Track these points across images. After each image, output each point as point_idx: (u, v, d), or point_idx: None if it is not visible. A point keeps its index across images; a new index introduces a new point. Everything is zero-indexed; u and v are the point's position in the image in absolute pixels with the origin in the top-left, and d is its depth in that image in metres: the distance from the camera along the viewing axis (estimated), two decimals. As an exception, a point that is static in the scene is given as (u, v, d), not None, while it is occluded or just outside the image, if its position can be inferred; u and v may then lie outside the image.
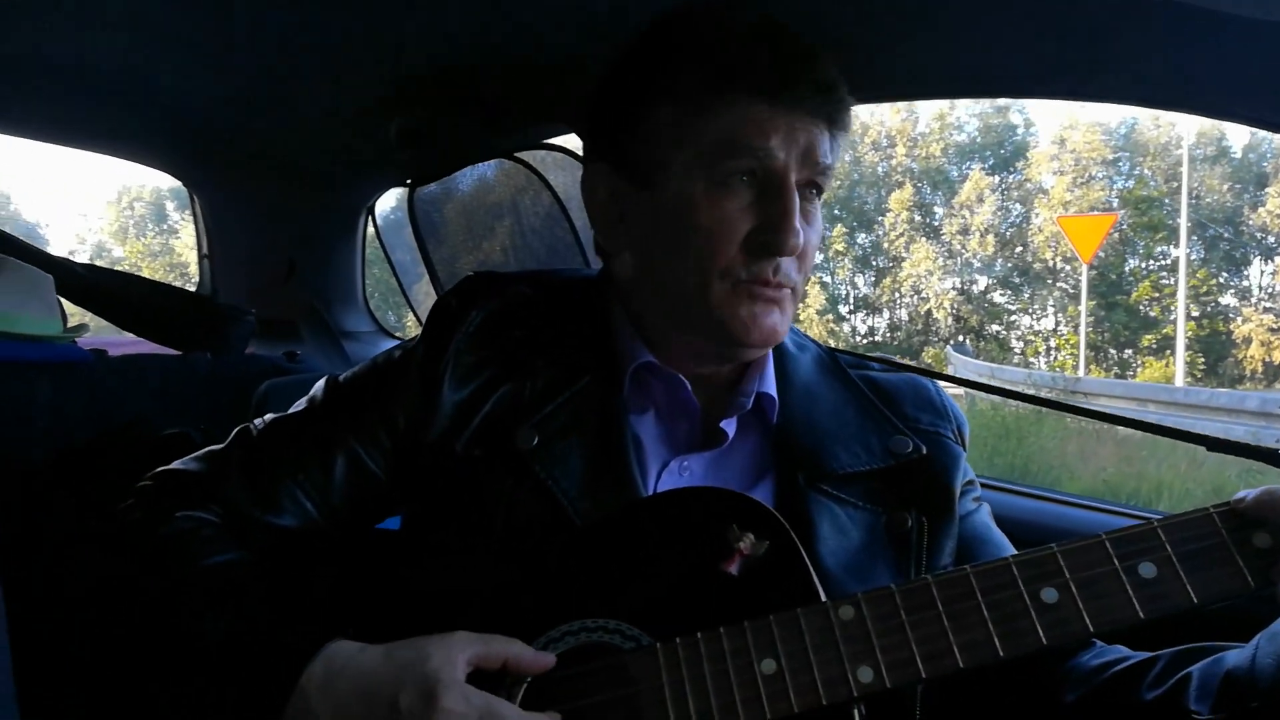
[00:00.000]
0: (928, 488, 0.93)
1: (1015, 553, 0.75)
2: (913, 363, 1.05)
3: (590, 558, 0.82)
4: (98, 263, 2.21)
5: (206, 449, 0.98)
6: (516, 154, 1.89)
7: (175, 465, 0.97)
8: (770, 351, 0.99)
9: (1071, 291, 26.74)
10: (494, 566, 0.84)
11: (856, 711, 0.70)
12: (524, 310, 0.99)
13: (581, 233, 1.94)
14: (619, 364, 0.95)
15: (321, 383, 1.02)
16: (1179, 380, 18.95)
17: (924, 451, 0.94)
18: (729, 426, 0.93)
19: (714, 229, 0.87)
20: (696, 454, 0.94)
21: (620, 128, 0.94)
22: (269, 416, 1.00)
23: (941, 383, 1.06)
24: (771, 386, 0.97)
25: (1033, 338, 28.35)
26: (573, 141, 1.80)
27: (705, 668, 0.72)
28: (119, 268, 2.12)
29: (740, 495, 0.80)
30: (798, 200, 0.88)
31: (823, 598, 0.75)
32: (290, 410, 1.00)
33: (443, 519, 0.92)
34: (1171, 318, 23.62)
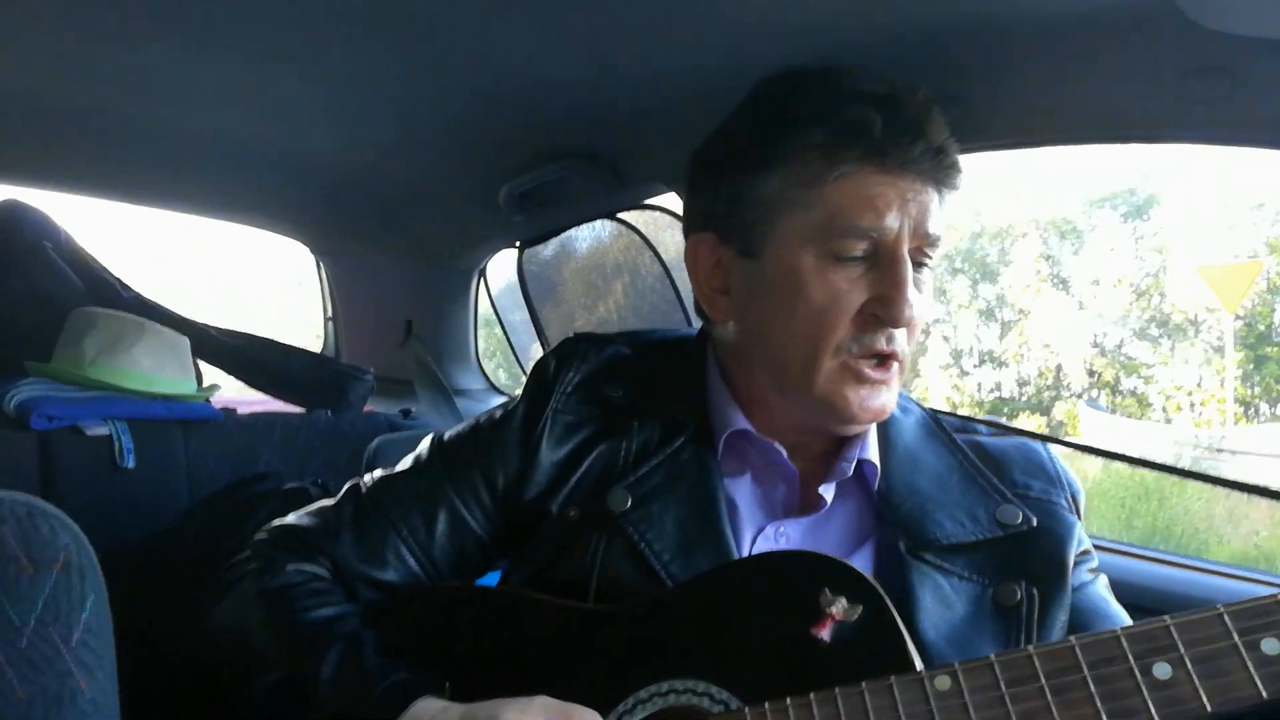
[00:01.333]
0: (1039, 559, 0.88)
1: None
2: (1020, 426, 1.00)
3: (680, 618, 0.81)
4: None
5: (318, 504, 1.02)
6: (619, 214, 1.93)
7: (289, 519, 1.01)
8: None
9: (1215, 344, 25.23)
10: (585, 626, 0.84)
11: None
12: (621, 370, 0.99)
13: (683, 290, 1.96)
14: (714, 428, 0.94)
15: (426, 441, 1.04)
16: (1341, 437, 17.51)
17: (1034, 523, 0.89)
18: (827, 491, 0.91)
19: (826, 303, 0.86)
20: (793, 520, 0.92)
21: (725, 196, 0.93)
22: (378, 473, 1.03)
23: (1055, 448, 1.00)
24: (873, 452, 0.94)
25: (1175, 391, 26.80)
26: (673, 201, 1.83)
27: None
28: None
29: (833, 559, 0.77)
30: (910, 271, 0.86)
31: (918, 666, 0.72)
32: (397, 468, 1.03)
33: (538, 577, 0.92)
34: (1330, 370, 21.94)
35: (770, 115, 0.91)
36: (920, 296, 0.89)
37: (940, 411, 1.03)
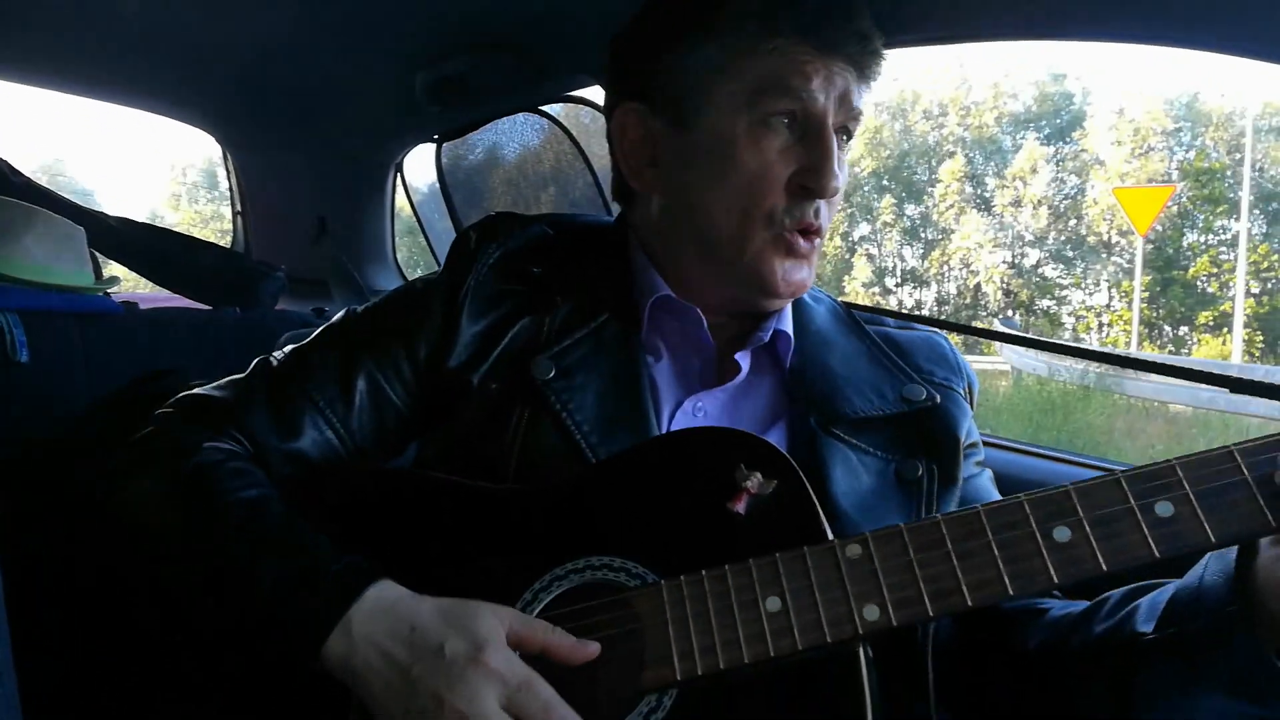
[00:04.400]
0: (937, 437, 0.93)
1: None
2: (926, 315, 1.03)
3: (598, 496, 0.81)
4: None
5: (227, 378, 0.98)
6: (540, 108, 1.87)
7: (196, 392, 0.96)
8: None
9: (1126, 266, 26.14)
10: (505, 502, 0.84)
11: (862, 650, 0.68)
12: (544, 248, 1.00)
13: (609, 195, 1.92)
14: (638, 303, 0.95)
15: (341, 314, 1.02)
16: (1236, 358, 18.46)
17: (937, 400, 0.94)
18: (743, 359, 0.93)
19: (758, 170, 0.88)
20: (710, 392, 0.93)
21: (657, 66, 0.93)
22: (288, 347, 1.00)
23: (969, 354, 1.03)
24: (789, 325, 0.97)
25: (1085, 313, 27.79)
26: (597, 94, 1.78)
27: (709, 604, 0.71)
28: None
29: (748, 434, 0.78)
30: (835, 142, 0.89)
31: (830, 536, 0.73)
32: (309, 339, 1.00)
33: (458, 450, 0.92)
34: (1230, 294, 22.99)
35: None
36: (841, 173, 0.92)
37: (850, 304, 1.07)
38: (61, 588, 1.25)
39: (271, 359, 0.99)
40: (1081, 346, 1.04)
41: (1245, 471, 0.66)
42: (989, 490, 0.98)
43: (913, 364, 0.98)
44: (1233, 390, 0.77)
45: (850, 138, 0.94)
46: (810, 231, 0.91)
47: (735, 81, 0.88)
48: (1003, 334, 1.04)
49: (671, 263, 0.97)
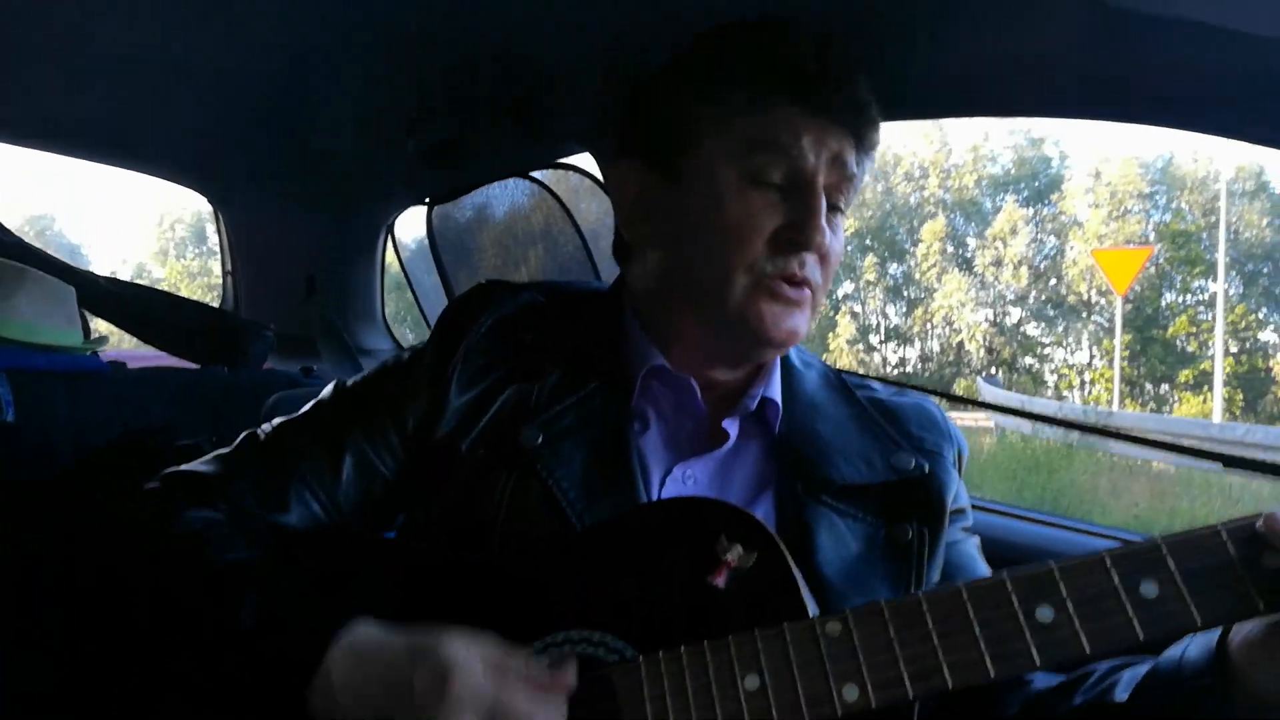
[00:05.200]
0: (926, 502, 0.93)
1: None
2: (917, 384, 1.04)
3: (578, 568, 0.80)
4: (140, 282, 2.25)
5: (214, 453, 0.98)
6: (532, 174, 1.90)
7: (183, 467, 0.96)
8: (778, 362, 0.99)
9: (1107, 325, 26.40)
10: (481, 578, 0.83)
11: None
12: (535, 316, 0.99)
13: (599, 260, 1.95)
14: (629, 371, 0.95)
15: (330, 386, 1.02)
16: (1216, 416, 18.58)
17: (926, 469, 0.94)
18: (731, 426, 0.93)
19: (741, 223, 0.89)
20: (700, 459, 0.93)
21: (652, 123, 0.97)
22: (276, 420, 1.00)
23: (961, 414, 1.04)
24: (777, 393, 0.97)
25: (1067, 371, 27.98)
26: (588, 162, 1.81)
27: (688, 683, 0.70)
28: (160, 287, 2.16)
29: (729, 505, 0.78)
30: (824, 200, 0.90)
31: (811, 612, 0.73)
32: (298, 414, 1.00)
33: (443, 521, 0.92)
34: (1209, 353, 23.21)
35: (707, 56, 0.95)
36: (833, 237, 0.93)
37: (842, 370, 1.07)
38: (51, 639, 1.24)
39: (259, 432, 0.99)
40: (1087, 423, 1.04)
41: (1232, 552, 0.65)
42: (974, 558, 0.98)
43: (902, 430, 0.98)
44: (1226, 465, 0.76)
45: (844, 205, 0.94)
46: (796, 281, 0.90)
47: (726, 138, 0.90)
48: (999, 407, 1.04)
49: (667, 325, 0.97)
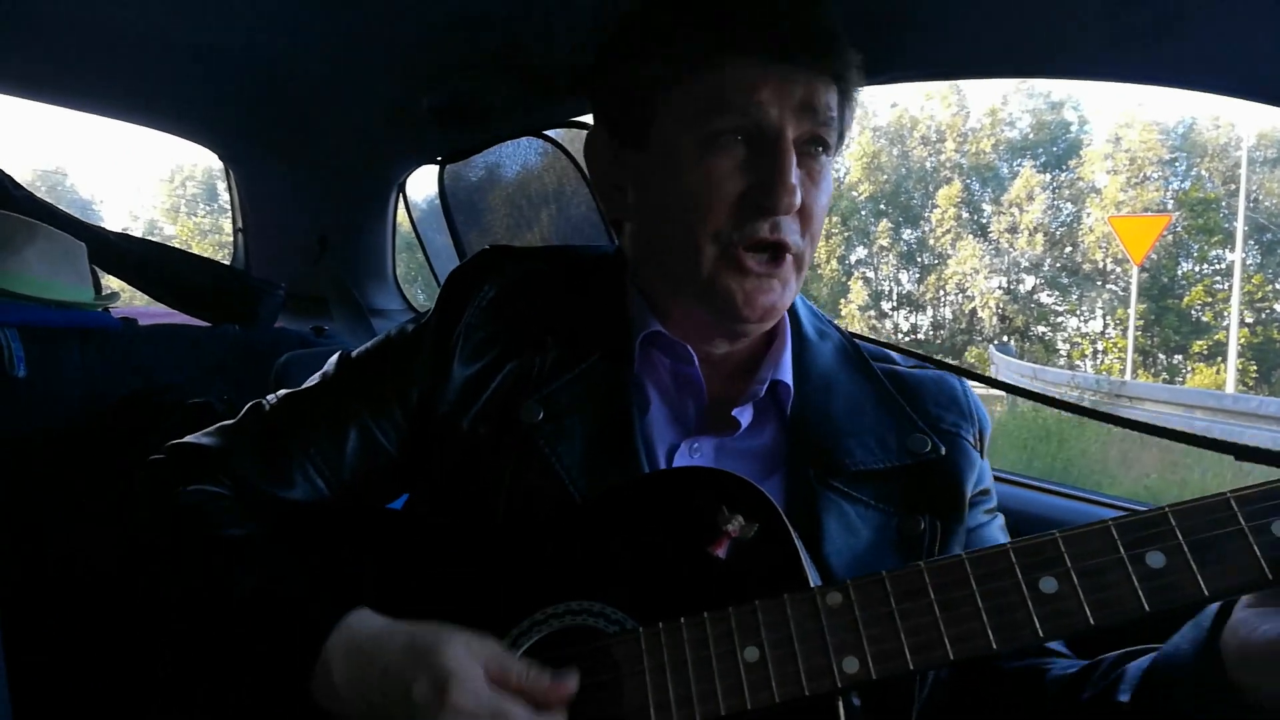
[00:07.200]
0: (942, 490, 0.89)
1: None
2: (943, 359, 1.00)
3: (579, 539, 0.80)
4: (151, 239, 2.25)
5: (218, 425, 0.98)
6: (545, 132, 1.88)
7: (187, 440, 0.96)
8: (789, 338, 0.96)
9: (1121, 294, 26.19)
10: (489, 547, 0.84)
11: (842, 703, 0.67)
12: (538, 285, 0.97)
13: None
14: (629, 338, 0.93)
15: (335, 358, 1.01)
16: (1230, 387, 18.48)
17: (942, 452, 0.90)
18: (742, 415, 0.90)
19: (701, 187, 0.84)
20: (707, 438, 0.91)
21: (611, 87, 0.93)
22: (281, 392, 1.00)
23: (972, 384, 1.01)
24: (788, 374, 0.93)
25: (1080, 340, 27.82)
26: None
27: (688, 654, 0.70)
28: (172, 244, 2.17)
29: (731, 476, 0.77)
30: (794, 156, 0.84)
31: (812, 583, 0.72)
32: (303, 386, 1.00)
33: (446, 498, 0.91)
34: (1224, 323, 23.03)
35: (656, 9, 0.89)
36: (814, 188, 0.87)
37: (861, 337, 1.02)
38: (56, 597, 1.25)
39: (264, 404, 0.98)
40: (1097, 410, 0.99)
41: (1242, 521, 0.63)
42: (998, 539, 0.94)
43: (920, 408, 0.94)
44: (1237, 459, 0.74)
45: (828, 147, 0.88)
46: (764, 247, 0.85)
47: (682, 99, 0.85)
48: (1016, 388, 1.02)
49: (654, 292, 0.94)
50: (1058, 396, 1.03)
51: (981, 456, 0.95)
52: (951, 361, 1.01)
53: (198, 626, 0.81)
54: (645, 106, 0.88)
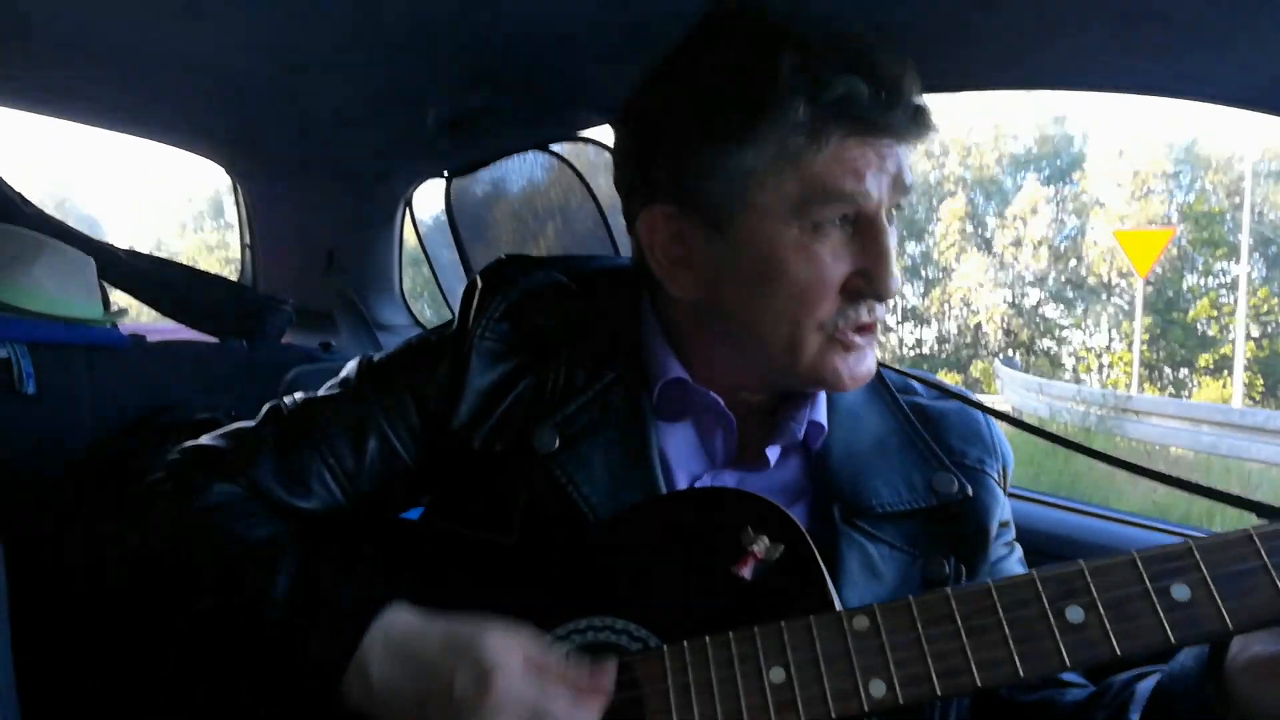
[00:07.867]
0: (967, 532, 0.88)
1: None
2: (956, 387, 0.99)
3: (602, 555, 0.80)
4: (158, 255, 2.25)
5: (235, 425, 0.96)
6: (550, 147, 1.88)
7: (204, 440, 0.95)
8: None
9: (1127, 308, 26.17)
10: (506, 563, 0.83)
11: None
12: (553, 296, 0.96)
13: (617, 234, 1.93)
14: (648, 372, 0.91)
15: (354, 364, 0.99)
16: (1236, 401, 18.42)
17: (969, 492, 0.88)
18: (772, 453, 0.88)
19: (810, 280, 0.80)
20: (731, 471, 0.89)
21: (688, 167, 0.83)
22: (299, 395, 0.98)
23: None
24: (823, 415, 0.91)
25: (1085, 354, 27.77)
26: (606, 134, 1.79)
27: (713, 673, 0.70)
28: (178, 260, 2.18)
29: (756, 497, 0.77)
30: (893, 236, 0.82)
31: (838, 607, 0.72)
32: (322, 391, 0.98)
33: (461, 511, 0.90)
34: (1230, 337, 22.97)
35: (744, 82, 0.79)
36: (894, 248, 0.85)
37: (882, 364, 0.99)
38: (67, 611, 1.24)
39: (282, 406, 0.97)
40: (1094, 450, 0.95)
41: (1265, 556, 0.64)
42: (1016, 573, 0.90)
43: (944, 444, 0.92)
44: (1259, 517, 0.72)
45: (901, 210, 0.86)
46: (867, 329, 0.84)
47: (780, 188, 0.79)
48: (1012, 419, 1.00)
49: (692, 344, 0.91)
50: (1065, 413, 1.01)
51: (1005, 492, 0.94)
52: (971, 395, 0.99)
53: (227, 626, 0.80)
54: (734, 194, 0.81)
